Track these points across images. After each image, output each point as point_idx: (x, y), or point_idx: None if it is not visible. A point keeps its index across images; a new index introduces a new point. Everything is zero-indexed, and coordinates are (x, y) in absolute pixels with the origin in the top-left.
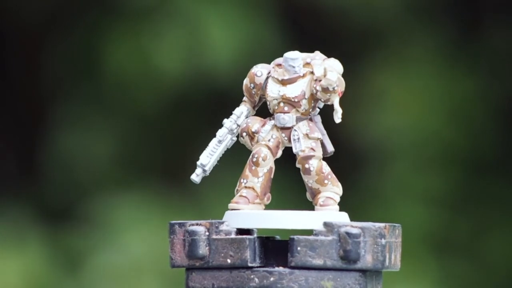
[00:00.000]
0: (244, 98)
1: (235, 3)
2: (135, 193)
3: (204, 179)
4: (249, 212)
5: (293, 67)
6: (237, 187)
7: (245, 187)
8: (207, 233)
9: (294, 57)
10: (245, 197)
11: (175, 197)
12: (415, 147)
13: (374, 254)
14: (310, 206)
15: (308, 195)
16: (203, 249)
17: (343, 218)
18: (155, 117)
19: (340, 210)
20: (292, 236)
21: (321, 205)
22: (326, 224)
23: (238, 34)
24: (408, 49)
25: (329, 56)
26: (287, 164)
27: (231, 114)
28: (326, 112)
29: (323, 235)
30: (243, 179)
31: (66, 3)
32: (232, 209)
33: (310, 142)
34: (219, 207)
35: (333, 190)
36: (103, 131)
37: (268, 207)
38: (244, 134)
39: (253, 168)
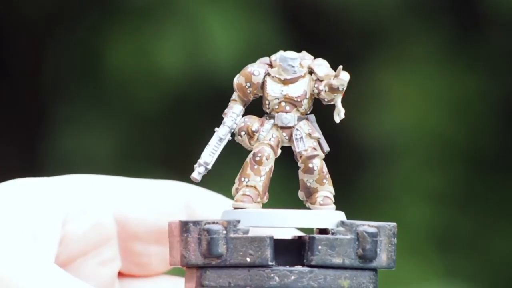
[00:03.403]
0: (235, 97)
1: (236, 2)
2: None
3: (204, 177)
4: (264, 211)
5: (293, 66)
6: (237, 186)
7: (247, 185)
8: (224, 232)
9: (294, 56)
10: (248, 195)
11: None
12: (418, 145)
13: (389, 253)
14: (300, 205)
15: (301, 194)
16: (221, 248)
17: (342, 217)
18: (157, 115)
19: (346, 208)
20: (312, 235)
21: (321, 204)
22: (344, 223)
23: (239, 33)
24: (410, 48)
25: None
26: (277, 163)
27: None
28: (329, 112)
29: (342, 234)
30: (244, 178)
31: (67, 2)
32: (236, 208)
33: (312, 141)
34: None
35: (329, 189)
36: (104, 130)
37: (264, 206)
38: (243, 133)
39: (255, 167)
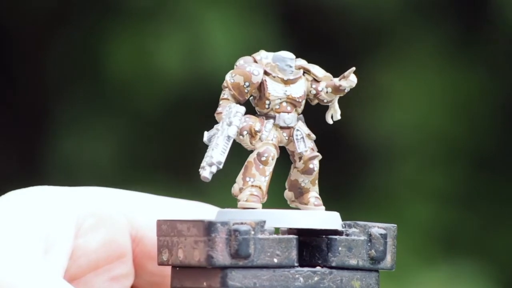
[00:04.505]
0: (227, 96)
1: (235, 4)
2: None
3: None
4: (272, 211)
5: (291, 66)
6: (241, 186)
7: (252, 185)
8: (252, 232)
9: (292, 57)
10: (256, 195)
11: (179, 196)
12: (420, 144)
13: (392, 255)
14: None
15: (289, 194)
16: (250, 248)
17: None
18: (157, 117)
19: (348, 208)
20: (332, 236)
21: (315, 205)
22: (357, 224)
23: (239, 34)
24: (411, 47)
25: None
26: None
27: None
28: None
29: (356, 235)
30: (249, 178)
31: (68, 3)
32: (245, 208)
33: (310, 142)
34: (223, 203)
35: (316, 190)
36: (104, 131)
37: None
38: (245, 132)
39: (261, 167)
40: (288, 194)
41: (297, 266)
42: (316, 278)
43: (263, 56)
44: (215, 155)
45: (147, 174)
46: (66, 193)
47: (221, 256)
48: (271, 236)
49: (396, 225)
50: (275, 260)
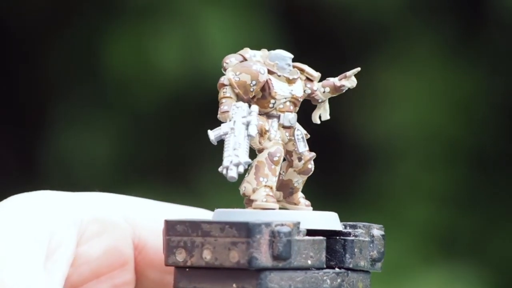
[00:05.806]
0: (229, 94)
1: (234, 3)
2: (136, 192)
3: (204, 177)
4: (302, 213)
5: (289, 65)
6: (254, 186)
7: (266, 186)
8: (291, 234)
9: (291, 56)
10: (272, 196)
11: (176, 196)
12: (420, 144)
13: (383, 256)
14: None
15: (278, 194)
16: (292, 250)
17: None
18: (155, 116)
19: (348, 208)
20: (349, 238)
21: (306, 205)
22: (364, 226)
23: (237, 33)
24: (412, 47)
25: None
26: None
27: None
28: (331, 112)
29: (363, 236)
30: (263, 178)
31: (66, 2)
32: (264, 208)
33: (306, 142)
34: (223, 205)
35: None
36: (103, 130)
37: None
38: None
39: (272, 167)
40: (276, 194)
41: (325, 268)
42: (338, 280)
43: (251, 54)
44: (241, 154)
45: (145, 172)
46: (69, 198)
47: (265, 258)
48: (305, 237)
49: (383, 225)
50: (309, 262)
